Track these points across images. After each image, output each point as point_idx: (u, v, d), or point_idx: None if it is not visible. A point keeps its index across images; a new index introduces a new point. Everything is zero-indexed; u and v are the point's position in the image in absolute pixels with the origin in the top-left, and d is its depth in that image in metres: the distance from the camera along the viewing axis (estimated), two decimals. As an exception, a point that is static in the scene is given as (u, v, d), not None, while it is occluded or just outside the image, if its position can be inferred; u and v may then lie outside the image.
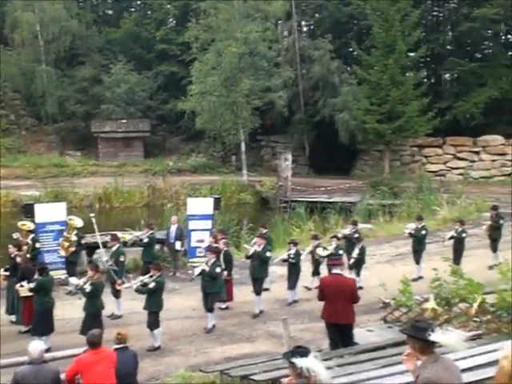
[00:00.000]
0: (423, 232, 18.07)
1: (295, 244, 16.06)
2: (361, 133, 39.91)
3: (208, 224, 19.81)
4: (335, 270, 11.07)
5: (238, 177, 41.61)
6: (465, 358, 8.95)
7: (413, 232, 18.08)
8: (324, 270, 16.47)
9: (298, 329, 13.45)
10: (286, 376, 5.90)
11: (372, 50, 40.07)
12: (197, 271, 14.25)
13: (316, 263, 16.81)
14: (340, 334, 10.91)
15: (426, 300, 11.78)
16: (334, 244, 16.46)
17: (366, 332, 11.84)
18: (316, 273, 16.83)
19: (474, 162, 42.17)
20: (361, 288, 15.43)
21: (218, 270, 13.99)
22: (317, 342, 12.01)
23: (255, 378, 9.61)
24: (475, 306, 11.16)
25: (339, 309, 10.66)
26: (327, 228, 25.28)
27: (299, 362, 4.56)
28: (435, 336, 4.74)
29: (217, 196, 23.10)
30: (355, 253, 16.43)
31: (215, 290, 14.07)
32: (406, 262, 19.25)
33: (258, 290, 15.16)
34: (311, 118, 45.33)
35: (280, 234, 24.24)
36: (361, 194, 34.47)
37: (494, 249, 18.64)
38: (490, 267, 17.35)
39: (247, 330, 13.93)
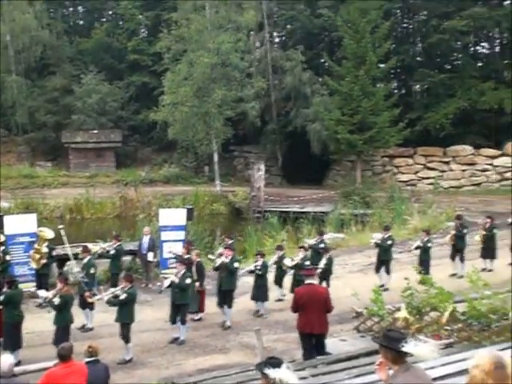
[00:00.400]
0: (389, 242, 18.08)
1: (262, 255, 15.93)
2: (333, 143, 40.18)
3: (180, 235, 19.70)
4: (308, 280, 11.09)
5: (211, 187, 41.54)
6: (436, 366, 9.02)
7: (379, 242, 18.10)
8: (288, 281, 16.55)
9: (272, 339, 13.42)
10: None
11: (343, 61, 40.46)
12: (166, 283, 14.06)
13: (280, 274, 16.76)
14: (314, 344, 10.94)
15: (398, 309, 11.86)
16: (301, 255, 16.32)
17: (339, 341, 11.87)
18: (279, 284, 16.81)
19: (444, 171, 42.71)
20: None
21: (187, 281, 13.80)
22: (290, 353, 12.01)
23: (228, 389, 9.57)
24: (446, 314, 11.26)
25: (314, 318, 10.70)
26: (300, 238, 25.31)
27: (272, 372, 4.55)
28: (408, 347, 4.77)
29: (189, 206, 22.98)
30: (322, 263, 16.30)
31: (185, 301, 13.89)
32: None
33: (227, 302, 14.93)
34: (284, 128, 45.52)
35: (253, 245, 24.24)
36: (333, 203, 34.65)
37: (461, 258, 18.82)
38: (453, 275, 17.69)
39: (220, 341, 13.86)
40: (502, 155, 41.47)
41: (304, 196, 37.66)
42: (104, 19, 58.16)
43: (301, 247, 17.05)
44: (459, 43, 45.99)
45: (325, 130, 41.04)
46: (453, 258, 18.92)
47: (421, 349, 4.85)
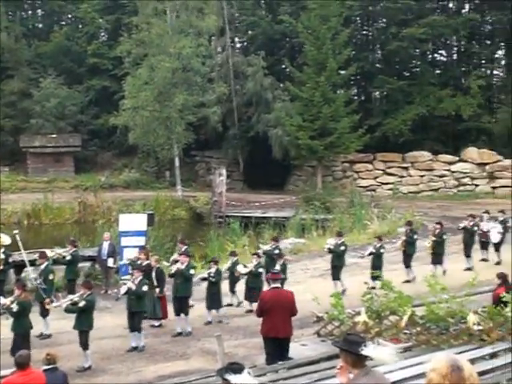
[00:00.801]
0: (342, 248, 18.08)
1: (216, 262, 15.74)
2: (294, 148, 40.44)
3: (141, 240, 19.53)
4: (274, 284, 11.08)
5: (172, 192, 41.32)
6: (395, 370, 9.12)
7: (332, 247, 18.11)
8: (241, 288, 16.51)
9: (233, 345, 13.39)
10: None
11: (304, 67, 40.80)
12: (123, 290, 13.83)
13: (232, 280, 16.65)
14: (278, 349, 10.95)
15: (358, 313, 11.95)
16: (254, 261, 16.25)
17: (300, 346, 11.91)
18: (232, 290, 16.71)
19: (402, 177, 43.30)
20: None
21: (144, 288, 13.59)
22: (251, 358, 11.99)
23: (189, 395, 9.51)
24: (405, 318, 11.39)
25: (280, 322, 10.71)
26: (262, 243, 25.33)
27: (233, 378, 4.53)
28: (367, 350, 4.82)
29: (150, 212, 22.86)
30: (276, 269, 16.34)
31: (141, 309, 13.71)
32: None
33: (183, 310, 14.65)
34: (245, 133, 45.58)
35: (215, 250, 24.19)
36: (294, 208, 34.81)
37: (407, 263, 18.89)
38: (406, 281, 17.68)
39: (181, 347, 13.77)
40: (460, 161, 42.27)
41: (265, 201, 37.76)
42: (63, 22, 57.44)
43: (254, 254, 16.96)
44: (418, 50, 46.77)
45: (286, 135, 41.26)
46: (405, 263, 19.01)
47: (380, 352, 4.90)
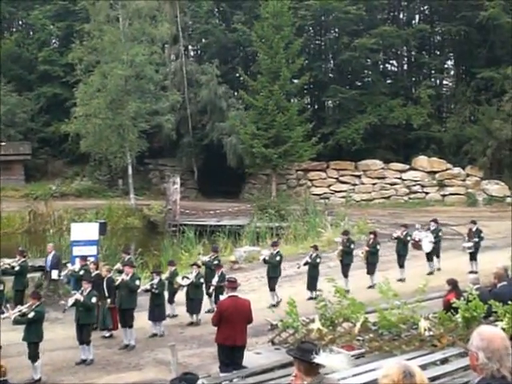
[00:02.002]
0: (277, 258, 17.81)
1: (158, 273, 15.47)
2: (248, 157, 40.54)
3: (93, 250, 19.27)
4: (232, 293, 11.04)
5: (125, 201, 40.86)
6: (348, 377, 9.19)
7: (267, 258, 17.93)
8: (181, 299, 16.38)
9: (187, 354, 13.30)
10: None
11: (258, 76, 41.02)
12: (70, 301, 13.47)
13: (171, 291, 16.32)
14: (232, 357, 10.91)
15: (312, 321, 12.01)
16: (194, 272, 16.02)
17: (254, 355, 11.89)
18: (171, 301, 16.46)
19: (355, 185, 43.81)
20: None
21: (93, 300, 13.28)
22: (206, 367, 11.94)
23: (142, 407, 9.39)
24: (358, 325, 11.50)
25: (238, 330, 10.71)
26: (203, 254, 25.24)
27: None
28: (319, 358, 4.85)
29: (102, 221, 22.56)
30: (215, 280, 16.09)
31: (90, 321, 13.40)
32: (292, 283, 19.61)
33: (128, 322, 14.31)
34: (199, 141, 45.50)
35: (169, 259, 23.94)
36: (249, 216, 34.86)
37: (345, 273, 18.59)
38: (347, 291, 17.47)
39: (134, 357, 13.60)
40: (410, 169, 43.01)
41: (220, 209, 37.70)
42: (14, 29, 56.44)
43: (193, 264, 16.67)
44: (369, 60, 47.47)
45: (240, 143, 41.35)
46: (343, 273, 18.70)
47: (332, 360, 4.94)
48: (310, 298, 15.88)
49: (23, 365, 12.41)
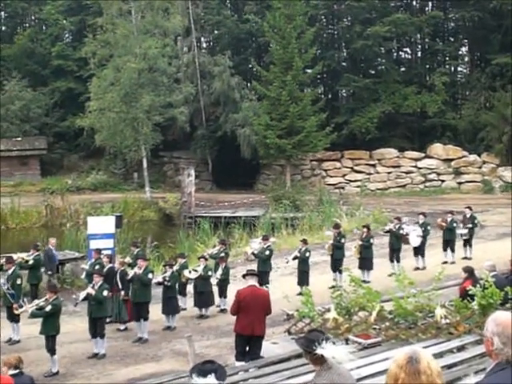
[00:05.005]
0: (267, 253, 17.45)
1: (171, 266, 15.39)
2: (262, 148, 40.51)
3: (110, 243, 19.36)
4: (251, 282, 11.08)
5: (141, 194, 41.03)
6: (364, 365, 9.22)
7: (256, 252, 17.67)
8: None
9: (204, 345, 13.38)
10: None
11: (270, 66, 40.92)
12: (82, 295, 13.47)
13: (181, 283, 16.11)
14: (250, 347, 10.96)
15: (328, 310, 12.03)
16: (202, 265, 15.98)
17: (271, 344, 11.92)
18: (183, 294, 16.43)
19: (370, 174, 43.68)
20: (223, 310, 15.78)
21: (105, 293, 13.26)
22: (223, 358, 11.99)
23: (160, 397, 9.48)
24: (374, 314, 11.50)
25: (255, 320, 10.74)
26: (232, 243, 25.36)
27: (197, 380, 4.50)
28: (320, 349, 4.89)
29: (118, 214, 22.68)
30: (218, 273, 16.07)
31: (102, 314, 13.38)
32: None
33: (142, 315, 14.30)
34: (213, 133, 45.52)
35: (185, 251, 24.05)
36: (264, 207, 34.89)
37: (335, 268, 18.03)
38: (332, 287, 15.87)
39: (152, 349, 13.70)
40: (425, 157, 42.80)
41: (235, 201, 37.74)
42: (27, 24, 56.71)
43: (201, 257, 16.59)
44: (382, 49, 47.16)
45: (254, 134, 41.34)
46: (333, 269, 18.23)
47: (335, 351, 4.97)
48: (300, 294, 15.49)
49: (42, 358, 12.55)
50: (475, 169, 41.70)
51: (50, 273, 18.49)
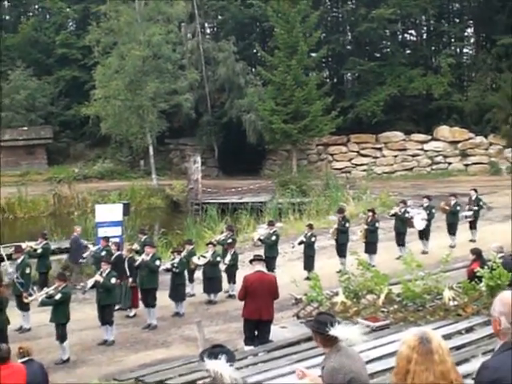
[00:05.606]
0: (273, 238, 17.40)
1: (179, 252, 15.41)
2: (268, 133, 40.45)
3: (118, 231, 19.47)
4: (258, 267, 11.12)
5: (148, 181, 41.11)
6: (373, 348, 9.26)
7: (262, 238, 17.62)
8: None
9: (213, 330, 13.46)
10: (202, 378, 5.92)
11: (275, 51, 40.73)
12: (90, 283, 13.57)
13: (189, 270, 16.12)
14: (258, 331, 11.03)
15: (336, 294, 12.07)
16: (210, 251, 15.98)
17: (280, 329, 11.99)
18: (191, 280, 16.45)
19: (376, 158, 43.58)
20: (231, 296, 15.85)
21: (113, 280, 13.31)
22: (232, 343, 12.04)
23: (170, 382, 9.56)
24: (382, 296, 11.54)
25: (263, 305, 10.80)
26: (239, 229, 25.41)
27: (208, 363, 4.55)
28: (334, 330, 4.93)
29: (126, 202, 22.74)
30: (227, 259, 16.07)
31: (111, 301, 13.48)
32: (315, 258, 19.61)
33: (150, 302, 14.39)
34: (219, 119, 45.47)
35: (193, 237, 24.13)
36: (271, 193, 34.89)
37: (340, 252, 17.94)
38: (338, 271, 15.97)
39: (161, 335, 13.80)
40: (432, 140, 42.63)
41: (241, 187, 37.75)
42: (30, 13, 56.73)
43: (209, 244, 16.61)
44: (387, 31, 46.90)
45: (260, 120, 41.27)
46: (338, 253, 18.15)
47: (347, 332, 5.01)
48: (307, 278, 15.60)
49: (53, 345, 12.65)
50: (482, 151, 41.51)
51: (81, 261, 18.53)
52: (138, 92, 40.18)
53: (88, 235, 22.92)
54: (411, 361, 3.21)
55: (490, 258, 11.80)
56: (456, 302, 11.25)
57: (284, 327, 12.15)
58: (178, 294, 15.07)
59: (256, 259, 11.45)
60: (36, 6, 56.94)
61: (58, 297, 12.22)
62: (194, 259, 15.95)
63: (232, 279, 16.28)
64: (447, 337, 9.54)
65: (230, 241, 17.11)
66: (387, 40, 48.12)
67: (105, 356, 12.67)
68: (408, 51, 48.88)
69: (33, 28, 51.92)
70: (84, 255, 18.00)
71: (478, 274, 11.36)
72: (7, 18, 57.24)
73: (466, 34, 49.41)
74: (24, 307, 14.28)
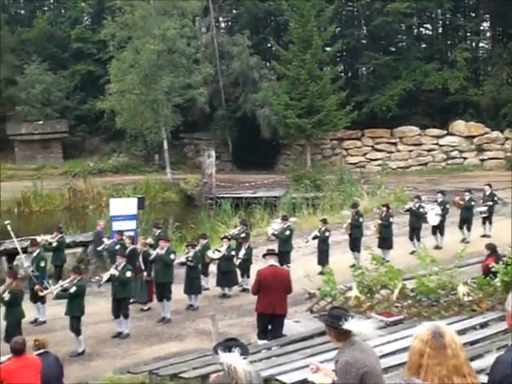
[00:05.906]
0: (287, 233, 17.38)
1: (193, 246, 15.45)
2: (282, 127, 40.40)
3: (132, 224, 19.56)
4: (271, 261, 11.14)
5: (162, 175, 41.23)
6: (387, 342, 9.25)
7: (276, 233, 17.62)
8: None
9: (227, 324, 13.52)
10: (215, 372, 5.95)
11: (289, 45, 40.61)
12: (105, 277, 13.65)
13: (204, 264, 16.21)
14: (272, 326, 11.06)
15: (350, 289, 12.07)
16: (225, 245, 16.05)
17: (293, 323, 12.02)
18: (205, 274, 16.51)
19: (391, 152, 43.38)
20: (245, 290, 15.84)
21: (128, 274, 13.41)
22: (246, 336, 12.10)
23: (184, 375, 9.62)
24: (396, 291, 11.52)
25: (276, 299, 10.84)
26: (253, 223, 25.43)
27: (222, 356, 4.58)
28: (348, 324, 4.94)
29: (140, 196, 22.82)
30: (241, 253, 16.07)
31: (126, 295, 13.57)
32: (329, 252, 19.60)
33: (165, 295, 14.45)
34: (233, 113, 45.46)
35: (207, 231, 24.18)
36: (285, 188, 34.86)
37: (354, 247, 17.90)
38: (352, 266, 16.07)
39: (176, 328, 13.87)
40: (447, 134, 42.35)
41: (255, 181, 37.76)
42: (46, 8, 56.83)
43: (224, 238, 16.65)
44: (403, 25, 46.57)
45: (274, 114, 41.21)
46: (351, 248, 18.16)
47: (362, 326, 5.02)
48: (321, 273, 15.52)
49: (68, 338, 12.76)
50: (498, 145, 41.19)
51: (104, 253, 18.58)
52: (152, 86, 40.26)
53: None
54: (424, 355, 3.22)
55: (505, 254, 11.74)
56: (470, 298, 11.22)
57: (297, 321, 12.17)
58: (193, 287, 15.12)
59: (269, 253, 11.49)
60: (51, 1, 57.23)
61: (72, 290, 12.32)
62: (209, 253, 16.00)
63: (246, 273, 16.33)
64: (461, 332, 9.52)
65: (243, 235, 17.11)
66: (402, 34, 47.80)
67: (120, 349, 12.77)
68: (423, 45, 48.55)
69: (48, 22, 52.13)
70: (98, 248, 18.12)
71: (492, 269, 11.31)
72: (23, 12, 57.68)
73: (481, 27, 48.96)
74: (40, 300, 14.40)
